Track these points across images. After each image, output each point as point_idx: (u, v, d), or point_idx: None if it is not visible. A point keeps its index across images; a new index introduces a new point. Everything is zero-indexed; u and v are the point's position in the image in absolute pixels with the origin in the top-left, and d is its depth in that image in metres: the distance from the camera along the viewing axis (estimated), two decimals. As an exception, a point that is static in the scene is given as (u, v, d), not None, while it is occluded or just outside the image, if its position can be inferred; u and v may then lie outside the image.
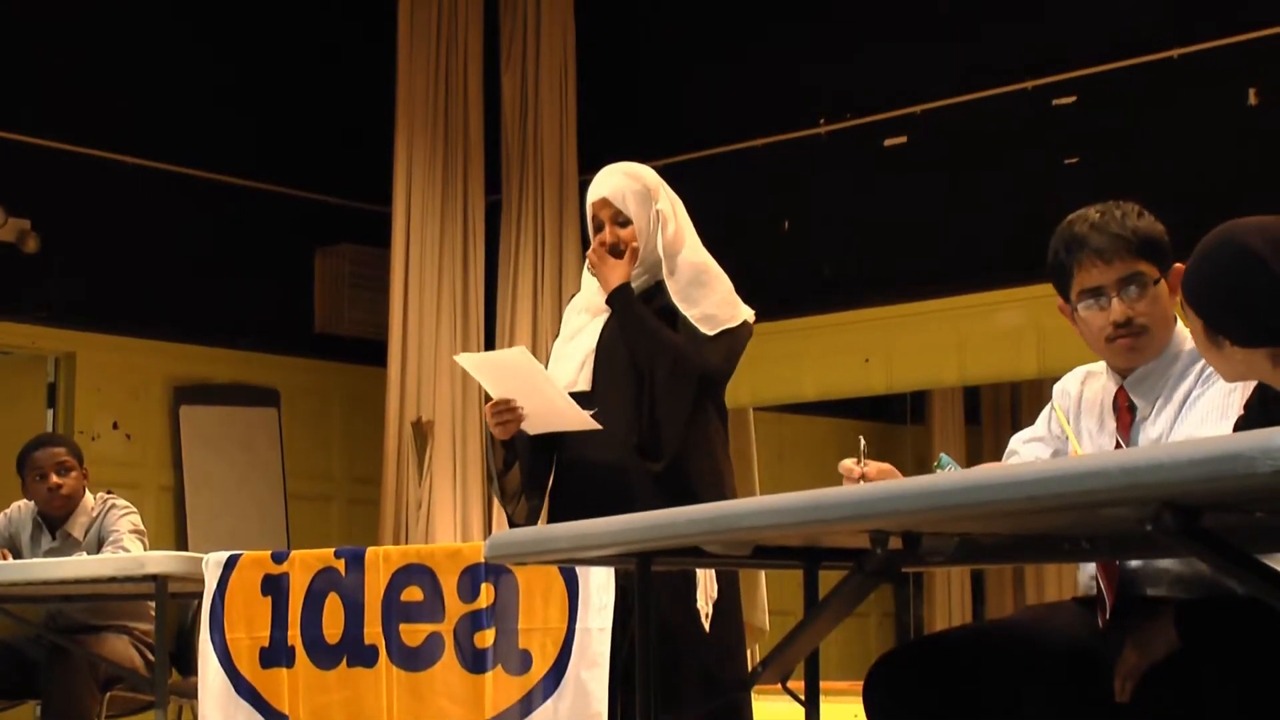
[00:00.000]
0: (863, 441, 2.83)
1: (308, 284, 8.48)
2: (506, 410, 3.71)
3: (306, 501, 8.41)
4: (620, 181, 3.85)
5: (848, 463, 2.76)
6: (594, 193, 3.87)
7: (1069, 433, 2.86)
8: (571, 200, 7.85)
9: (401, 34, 7.91)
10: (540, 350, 7.57)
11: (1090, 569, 2.83)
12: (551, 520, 3.86)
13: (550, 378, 3.72)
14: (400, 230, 7.83)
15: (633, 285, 3.82)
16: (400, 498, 7.69)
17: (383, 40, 8.06)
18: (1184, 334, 2.80)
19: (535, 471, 3.83)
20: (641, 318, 3.73)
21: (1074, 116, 6.72)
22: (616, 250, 3.83)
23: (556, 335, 3.99)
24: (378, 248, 8.24)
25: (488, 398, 3.81)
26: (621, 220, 3.83)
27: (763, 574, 6.70)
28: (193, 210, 8.07)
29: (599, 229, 3.87)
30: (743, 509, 2.32)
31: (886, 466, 2.77)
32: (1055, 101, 6.76)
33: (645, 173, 3.88)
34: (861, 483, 2.74)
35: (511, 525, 3.86)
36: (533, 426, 3.76)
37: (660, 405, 3.67)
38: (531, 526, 3.74)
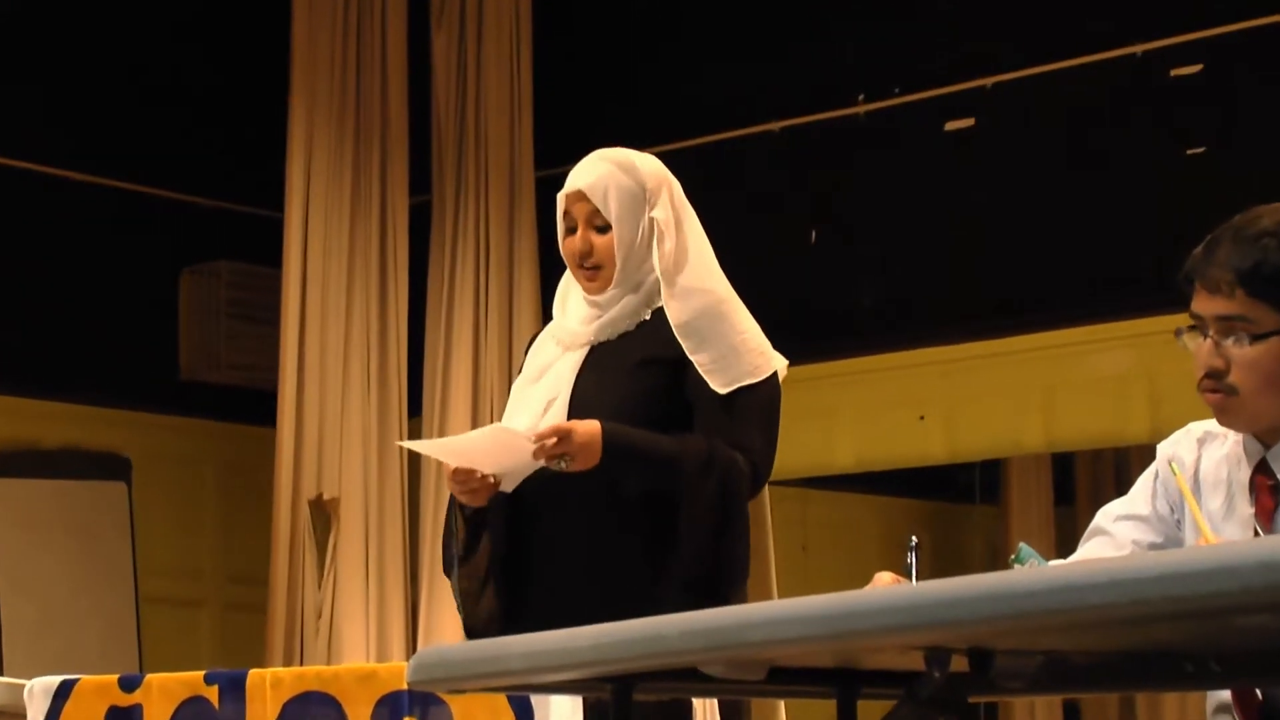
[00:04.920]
0: (914, 540, 2.85)
1: (170, 314, 8.47)
2: (474, 479, 3.71)
3: (167, 607, 8.38)
4: (604, 172, 3.84)
5: (884, 577, 2.79)
6: (569, 183, 3.86)
7: (1196, 513, 2.87)
8: (526, 201, 7.86)
9: (298, -21, 7.94)
10: (481, 413, 7.56)
11: (1222, 697, 2.83)
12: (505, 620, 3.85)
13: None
14: (295, 242, 7.83)
15: (617, 318, 3.82)
16: (294, 602, 7.67)
17: (273, -12, 8.10)
18: None
19: (509, 551, 3.83)
20: (651, 463, 3.71)
21: (1199, 91, 6.75)
22: (587, 260, 3.82)
23: (509, 380, 3.99)
24: (265, 266, 8.23)
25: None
26: (600, 224, 3.83)
27: (781, 705, 6.67)
28: (12, 215, 8.06)
29: (570, 231, 3.86)
30: (754, 616, 2.33)
31: None
32: (1174, 72, 6.79)
33: (644, 165, 3.87)
34: None
35: (469, 633, 3.85)
36: (512, 483, 3.76)
37: (721, 537, 3.70)
38: (473, 641, 3.73)
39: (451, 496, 3.84)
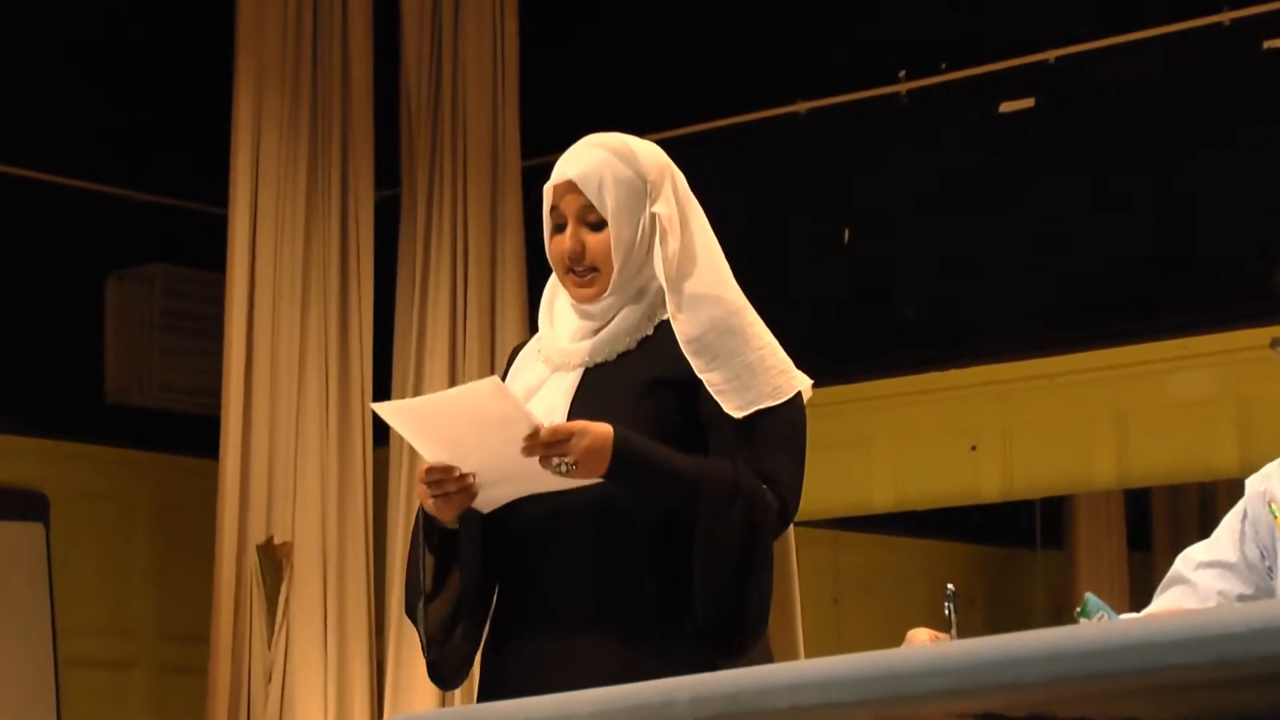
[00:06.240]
0: (951, 589, 2.84)
1: (95, 327, 8.47)
2: (450, 480, 3.71)
3: (91, 670, 8.38)
4: (598, 160, 3.84)
5: (921, 634, 2.79)
6: (557, 172, 3.87)
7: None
8: (510, 194, 7.86)
9: (245, -64, 7.96)
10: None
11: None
12: (484, 670, 3.86)
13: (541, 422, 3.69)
14: (242, 242, 7.84)
15: (616, 334, 3.82)
16: (240, 663, 7.67)
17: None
18: None
19: (483, 585, 3.83)
20: (666, 482, 3.71)
21: (1296, 68, 6.77)
22: (579, 263, 3.83)
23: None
24: (206, 270, 8.23)
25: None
26: (593, 221, 3.83)
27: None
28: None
29: (558, 229, 3.87)
30: (777, 679, 2.33)
31: None
32: (1268, 44, 6.80)
33: (643, 153, 3.88)
34: None
35: (436, 677, 3.86)
36: (490, 499, 3.75)
37: (743, 574, 3.70)
38: (447, 709, 3.74)
39: (418, 519, 3.83)
